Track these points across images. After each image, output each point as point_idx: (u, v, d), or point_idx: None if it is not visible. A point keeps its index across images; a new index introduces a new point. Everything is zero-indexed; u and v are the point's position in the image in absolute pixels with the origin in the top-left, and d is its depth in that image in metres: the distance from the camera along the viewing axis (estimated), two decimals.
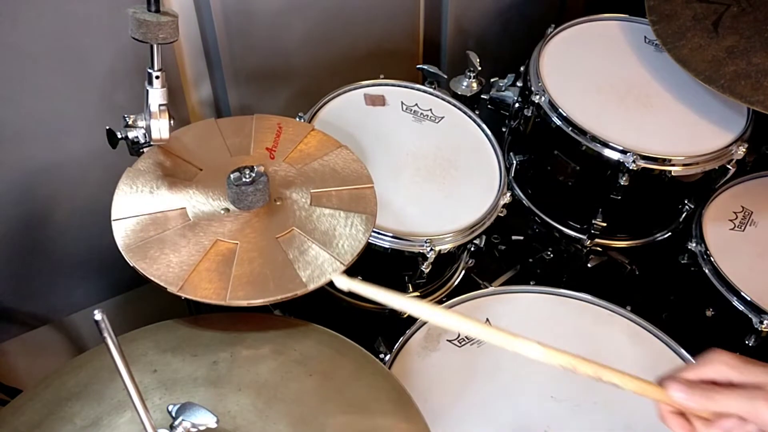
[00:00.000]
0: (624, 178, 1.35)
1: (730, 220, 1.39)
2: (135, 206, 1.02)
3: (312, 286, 0.96)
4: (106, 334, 0.63)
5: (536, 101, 1.42)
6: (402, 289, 1.35)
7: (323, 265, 0.98)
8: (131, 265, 0.95)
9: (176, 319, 1.02)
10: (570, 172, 1.44)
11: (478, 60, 1.58)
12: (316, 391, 0.92)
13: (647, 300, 1.51)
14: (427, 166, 1.36)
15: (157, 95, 1.02)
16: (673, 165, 1.35)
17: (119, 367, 0.66)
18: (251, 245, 1.00)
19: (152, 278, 0.94)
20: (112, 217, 1.00)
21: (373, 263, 1.20)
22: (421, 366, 1.15)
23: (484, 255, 1.52)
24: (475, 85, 1.58)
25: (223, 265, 0.96)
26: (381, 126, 1.41)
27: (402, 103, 1.47)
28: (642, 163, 1.33)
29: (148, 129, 1.04)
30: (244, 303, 0.93)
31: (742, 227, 1.38)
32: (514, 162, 1.55)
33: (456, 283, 1.48)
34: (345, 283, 0.89)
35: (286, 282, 0.96)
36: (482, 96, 1.59)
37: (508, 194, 1.35)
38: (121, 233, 0.98)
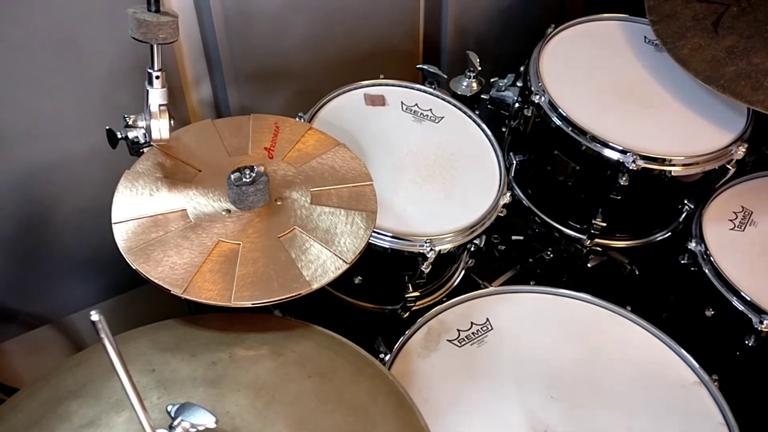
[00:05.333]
0: (624, 178, 1.35)
1: (730, 220, 1.39)
2: (135, 209, 1.02)
3: (316, 285, 0.96)
4: (103, 335, 0.63)
5: (536, 101, 1.42)
6: (402, 289, 1.35)
7: (326, 264, 0.98)
8: (134, 267, 0.95)
9: (175, 318, 1.02)
10: (570, 172, 1.44)
11: (478, 60, 1.58)
12: (314, 393, 0.92)
13: (647, 300, 1.51)
14: (427, 166, 1.36)
15: (157, 95, 1.02)
16: (673, 165, 1.35)
17: (116, 367, 0.66)
18: (253, 245, 0.99)
19: (156, 281, 0.93)
20: (113, 220, 1.00)
21: (373, 263, 1.20)
22: (421, 366, 1.15)
23: (484, 255, 1.52)
24: (475, 85, 1.58)
25: (227, 266, 0.96)
26: (381, 126, 1.41)
27: (402, 103, 1.47)
28: (642, 163, 1.33)
29: (148, 129, 1.05)
30: (248, 303, 0.93)
31: (742, 227, 1.38)
32: (514, 162, 1.55)
33: (456, 283, 1.48)
34: None
35: (290, 281, 0.96)
36: (482, 96, 1.59)
37: (508, 194, 1.34)
38: (123, 236, 0.98)
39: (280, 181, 1.09)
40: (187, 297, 0.92)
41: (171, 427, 0.78)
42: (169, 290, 0.93)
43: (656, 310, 1.41)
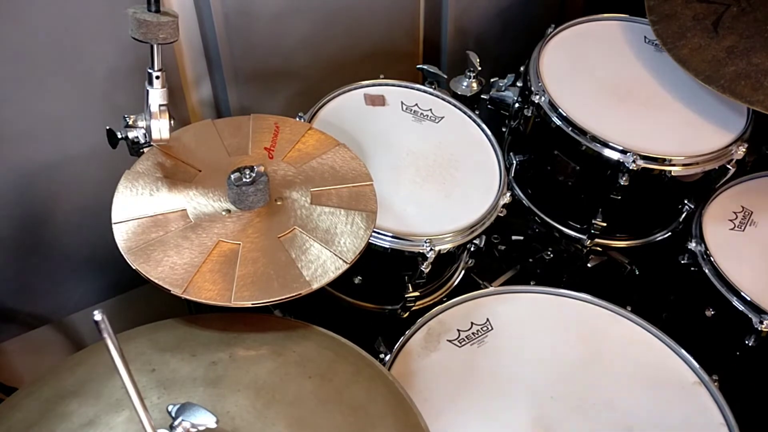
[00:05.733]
0: (624, 178, 1.35)
1: (730, 220, 1.39)
2: (135, 209, 1.02)
3: (316, 285, 0.96)
4: (105, 335, 0.63)
5: (536, 101, 1.42)
6: (402, 289, 1.35)
7: (326, 264, 0.98)
8: (134, 268, 0.95)
9: (175, 318, 1.02)
10: (570, 172, 1.44)
11: (478, 60, 1.58)
12: (314, 393, 0.92)
13: (647, 300, 1.51)
14: (427, 166, 1.36)
15: (157, 95, 1.02)
16: (673, 165, 1.35)
17: (119, 368, 0.66)
18: (253, 245, 0.99)
19: (156, 281, 0.93)
20: (113, 220, 1.00)
21: (373, 263, 1.20)
22: (421, 366, 1.15)
23: (484, 255, 1.52)
24: (475, 85, 1.58)
25: (227, 266, 0.96)
26: (381, 126, 1.41)
27: (402, 103, 1.47)
28: (642, 163, 1.33)
29: (148, 129, 1.05)
30: (248, 303, 0.93)
31: (742, 227, 1.38)
32: (514, 162, 1.55)
33: (456, 283, 1.48)
34: None
35: (290, 281, 0.96)
36: (482, 96, 1.59)
37: (508, 194, 1.34)
38: (123, 236, 0.98)
39: (280, 181, 1.09)
40: (187, 297, 0.92)
41: (172, 427, 0.78)
42: (170, 290, 0.93)
43: (656, 310, 1.41)
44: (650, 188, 1.40)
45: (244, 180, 1.02)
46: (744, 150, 1.38)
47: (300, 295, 0.95)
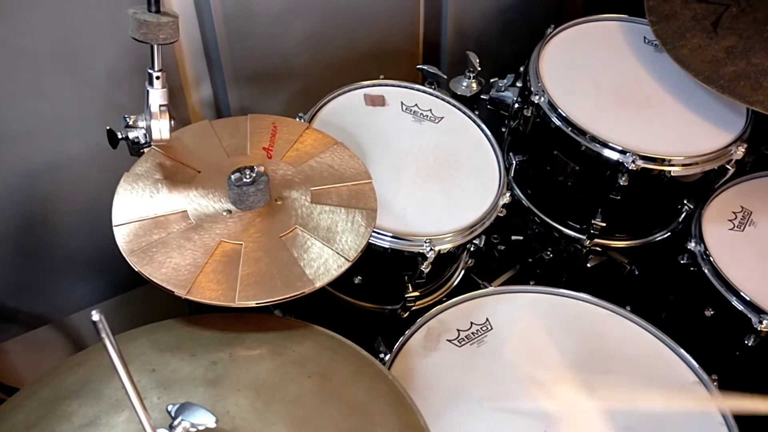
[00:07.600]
0: (623, 179, 1.35)
1: (730, 220, 1.39)
2: (136, 211, 1.02)
3: (319, 284, 0.96)
4: (104, 335, 0.63)
5: (536, 101, 1.43)
6: (402, 289, 1.35)
7: (328, 262, 0.98)
8: (136, 270, 0.95)
9: (175, 318, 1.02)
10: (569, 172, 1.44)
11: (477, 60, 1.58)
12: (314, 393, 0.92)
13: (646, 300, 1.51)
14: (427, 166, 1.36)
15: (157, 96, 1.02)
16: (673, 165, 1.35)
17: (118, 368, 0.66)
18: (256, 245, 1.00)
19: (159, 282, 0.93)
20: (114, 223, 1.00)
21: (373, 263, 1.20)
22: (421, 366, 1.15)
23: (483, 255, 1.52)
24: (474, 85, 1.58)
25: (230, 266, 0.96)
26: (381, 126, 1.42)
27: (402, 103, 1.47)
28: (641, 164, 1.33)
29: (148, 129, 1.05)
30: (252, 303, 0.93)
31: (742, 227, 1.38)
32: (514, 162, 1.55)
33: (456, 282, 1.49)
34: None
35: (294, 280, 0.96)
36: (482, 96, 1.60)
37: (508, 194, 1.35)
38: (124, 238, 0.98)
39: (279, 181, 1.09)
40: (191, 298, 0.92)
41: (171, 427, 0.78)
42: (173, 292, 0.93)
43: (656, 310, 1.42)
44: (650, 188, 1.40)
45: (245, 180, 1.02)
46: (743, 150, 1.38)
47: (303, 293, 0.95)
